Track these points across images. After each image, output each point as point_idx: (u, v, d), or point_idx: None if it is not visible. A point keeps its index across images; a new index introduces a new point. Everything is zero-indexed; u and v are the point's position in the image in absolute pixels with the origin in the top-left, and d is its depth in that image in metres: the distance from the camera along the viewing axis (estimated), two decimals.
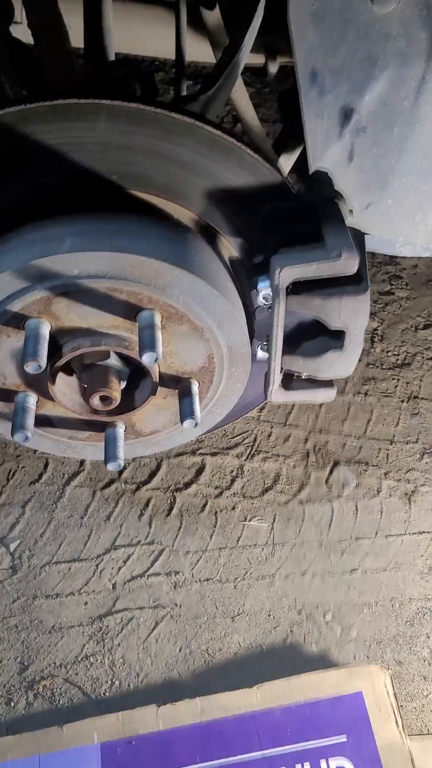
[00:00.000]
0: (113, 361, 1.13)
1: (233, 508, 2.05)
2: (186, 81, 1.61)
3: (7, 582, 1.89)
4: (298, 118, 1.75)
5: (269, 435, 2.19)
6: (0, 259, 1.00)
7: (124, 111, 0.95)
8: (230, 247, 1.15)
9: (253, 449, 2.16)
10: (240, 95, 1.42)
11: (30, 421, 1.11)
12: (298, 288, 1.13)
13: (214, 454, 2.14)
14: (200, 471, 2.11)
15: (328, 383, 1.29)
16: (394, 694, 1.65)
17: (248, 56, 1.40)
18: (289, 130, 1.64)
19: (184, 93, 1.52)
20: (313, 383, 1.29)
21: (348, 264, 1.05)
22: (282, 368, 1.23)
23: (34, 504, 2.04)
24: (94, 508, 2.04)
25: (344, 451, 2.17)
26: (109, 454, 1.18)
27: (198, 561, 1.94)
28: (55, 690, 1.75)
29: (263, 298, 1.17)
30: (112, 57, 1.57)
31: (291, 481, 2.10)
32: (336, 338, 1.20)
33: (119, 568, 1.92)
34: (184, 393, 1.15)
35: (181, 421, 1.13)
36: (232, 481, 2.10)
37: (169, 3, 1.84)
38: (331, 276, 1.08)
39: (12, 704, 1.73)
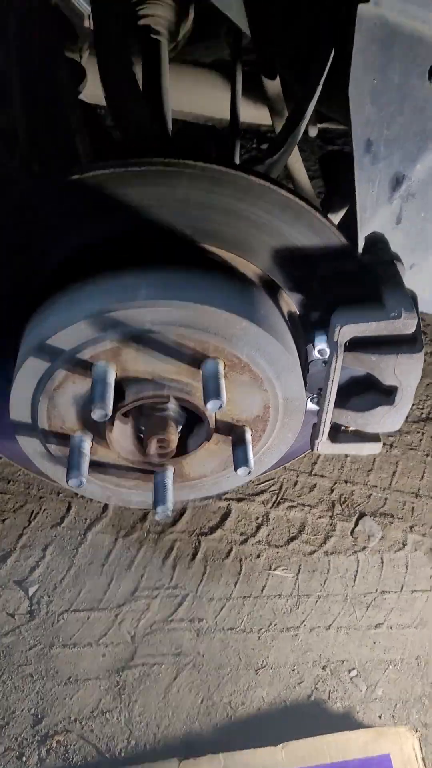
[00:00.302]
0: (171, 406, 1.15)
1: (258, 556, 2.04)
2: (238, 141, 1.68)
3: (24, 628, 1.87)
4: (339, 181, 1.82)
5: (295, 483, 2.20)
6: (76, 306, 1.03)
7: (207, 173, 0.99)
8: (289, 301, 1.19)
9: (279, 497, 2.16)
10: (294, 158, 1.48)
11: (85, 466, 1.13)
12: (352, 345, 1.16)
13: (239, 500, 2.15)
14: (226, 516, 2.11)
15: (374, 437, 1.31)
16: (422, 758, 1.62)
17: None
18: (333, 192, 1.70)
19: (237, 151, 1.59)
20: (360, 436, 1.31)
21: (407, 324, 1.09)
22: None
23: (55, 548, 2.03)
24: (116, 555, 2.02)
25: (369, 503, 2.17)
26: (158, 499, 1.19)
27: (222, 609, 1.93)
28: (68, 746, 1.71)
29: (318, 352, 1.20)
30: (169, 117, 1.64)
31: (316, 531, 2.10)
32: (386, 394, 1.23)
33: (139, 619, 1.90)
34: (237, 441, 1.17)
35: (235, 469, 1.14)
36: (258, 528, 2.10)
37: (223, 67, 1.94)
38: (389, 335, 1.11)
39: (24, 759, 1.68)
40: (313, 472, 2.22)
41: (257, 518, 2.11)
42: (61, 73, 1.23)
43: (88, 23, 2.08)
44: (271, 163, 1.19)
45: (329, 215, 1.68)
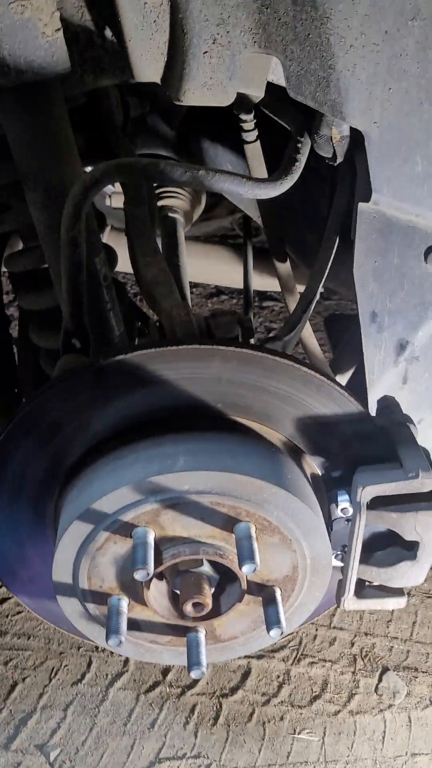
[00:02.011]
0: (205, 567, 1.20)
1: (281, 719, 1.98)
2: (251, 311, 1.86)
3: None
4: (343, 341, 1.98)
5: (314, 637, 2.17)
6: (118, 473, 1.12)
7: (237, 355, 1.13)
8: (311, 463, 1.28)
9: (299, 653, 2.13)
10: (305, 327, 1.64)
11: (124, 625, 1.16)
12: (373, 502, 1.23)
13: (259, 657, 2.11)
14: (246, 675, 2.07)
15: (398, 591, 1.34)
16: None
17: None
18: (341, 355, 1.86)
19: (249, 316, 1.76)
20: (384, 591, 1.35)
21: (425, 483, 1.17)
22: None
23: (76, 707, 1.98)
24: (138, 714, 1.97)
25: (392, 656, 2.13)
26: (193, 660, 1.20)
27: None
28: None
29: (341, 511, 1.27)
30: (187, 290, 1.83)
31: (339, 689, 2.05)
32: (408, 548, 1.28)
33: None
34: (268, 601, 1.21)
35: (268, 630, 1.17)
36: (279, 687, 2.05)
37: (236, 244, 2.20)
38: (408, 493, 1.19)
39: None
40: (332, 625, 2.21)
41: (278, 676, 2.07)
42: (98, 258, 1.40)
43: (109, 202, 2.35)
44: (288, 340, 1.33)
45: (338, 376, 1.82)
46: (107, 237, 2.39)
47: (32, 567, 1.34)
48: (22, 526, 1.29)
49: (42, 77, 1.15)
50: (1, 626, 2.15)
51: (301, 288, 1.70)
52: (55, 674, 2.04)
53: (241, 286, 2.21)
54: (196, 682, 2.04)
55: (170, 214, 2.10)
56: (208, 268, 2.34)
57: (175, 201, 2.12)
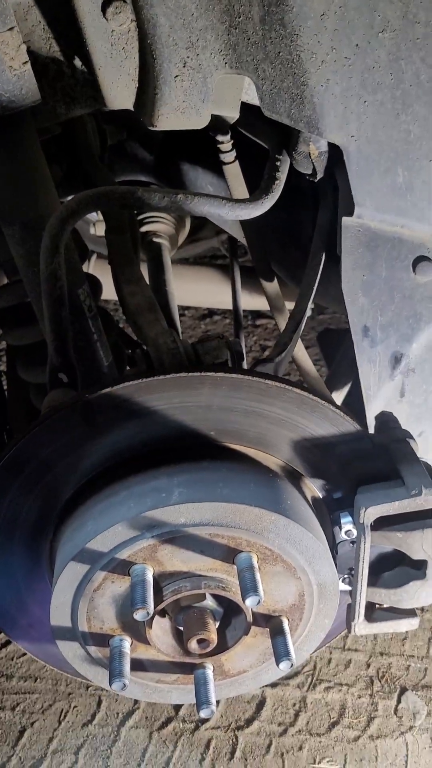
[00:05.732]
0: (208, 602, 1.17)
1: (300, 748, 1.92)
2: (243, 331, 1.84)
3: None
4: (338, 357, 1.95)
5: (329, 661, 2.11)
6: (112, 510, 1.09)
7: (226, 380, 1.10)
8: (312, 486, 1.25)
9: (315, 678, 2.07)
10: (297, 346, 1.61)
11: (127, 667, 1.12)
12: (377, 523, 1.20)
13: (273, 686, 2.05)
14: (261, 705, 2.01)
15: (410, 612, 1.30)
16: None
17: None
18: (336, 370, 1.83)
19: (243, 344, 1.73)
20: (396, 612, 1.31)
21: (428, 500, 1.14)
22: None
23: (88, 750, 1.92)
24: (152, 753, 1.91)
25: (409, 675, 2.08)
26: (201, 699, 1.16)
27: None
28: None
29: (345, 533, 1.24)
30: (176, 313, 1.80)
31: (358, 713, 1.99)
32: (417, 568, 1.24)
33: None
34: (276, 632, 1.17)
35: (277, 663, 1.13)
36: (296, 715, 1.99)
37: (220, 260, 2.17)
38: (412, 511, 1.16)
39: None
40: (346, 647, 2.15)
41: (294, 704, 2.01)
42: (81, 290, 1.38)
43: (93, 230, 2.33)
44: (279, 361, 1.31)
45: (335, 392, 1.79)
46: (93, 266, 2.38)
47: (31, 611, 1.30)
48: (17, 570, 1.25)
49: (11, 110, 1.13)
50: (6, 669, 2.09)
51: (290, 306, 1.68)
52: (65, 716, 1.98)
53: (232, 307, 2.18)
54: None
55: (155, 239, 2.09)
56: (198, 290, 2.32)
57: (159, 226, 2.11)
